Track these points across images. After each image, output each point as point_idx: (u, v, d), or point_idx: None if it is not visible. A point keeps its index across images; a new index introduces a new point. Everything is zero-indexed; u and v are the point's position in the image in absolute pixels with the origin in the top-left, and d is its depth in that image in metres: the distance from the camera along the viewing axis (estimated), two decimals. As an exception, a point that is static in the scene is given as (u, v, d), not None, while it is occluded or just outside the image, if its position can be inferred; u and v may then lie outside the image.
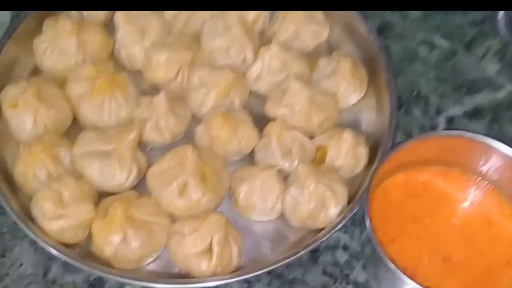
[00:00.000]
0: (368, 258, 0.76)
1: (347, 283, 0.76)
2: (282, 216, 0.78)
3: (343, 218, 0.74)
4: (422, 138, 0.76)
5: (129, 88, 0.83)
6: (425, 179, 0.77)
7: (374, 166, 0.77)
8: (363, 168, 0.80)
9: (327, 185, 0.75)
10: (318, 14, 0.89)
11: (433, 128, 0.86)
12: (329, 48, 0.90)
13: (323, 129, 0.82)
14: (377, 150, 0.80)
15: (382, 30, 0.92)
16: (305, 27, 0.88)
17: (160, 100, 0.80)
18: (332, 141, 0.79)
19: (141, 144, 0.81)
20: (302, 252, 0.73)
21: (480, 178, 0.77)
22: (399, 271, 0.66)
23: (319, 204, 0.75)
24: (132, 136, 0.77)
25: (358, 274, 0.76)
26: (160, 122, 0.80)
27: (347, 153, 0.78)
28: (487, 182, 0.77)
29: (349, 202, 0.76)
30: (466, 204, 0.76)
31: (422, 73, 0.90)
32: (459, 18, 0.94)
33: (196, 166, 0.75)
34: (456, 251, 0.73)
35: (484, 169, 0.76)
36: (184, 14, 0.88)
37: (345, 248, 0.78)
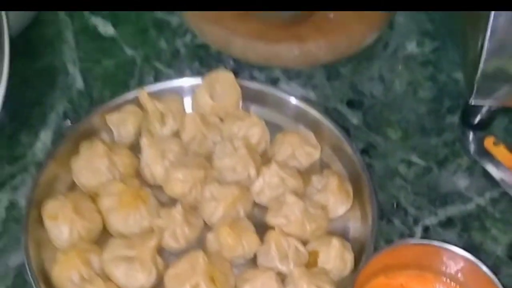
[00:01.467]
0: None
1: None
2: (280, 314, 0.91)
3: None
4: (399, 245, 0.89)
5: (151, 201, 0.98)
6: (404, 281, 0.89)
7: (358, 270, 0.90)
8: (350, 271, 0.93)
9: (318, 286, 0.88)
10: (312, 138, 1.05)
11: (411, 235, 0.99)
12: (321, 166, 1.05)
13: (315, 236, 0.96)
14: (361, 255, 0.93)
15: (367, 150, 1.07)
16: (300, 149, 1.03)
17: (177, 211, 0.94)
18: (322, 247, 0.93)
19: (160, 251, 0.95)
20: None
21: (449, 280, 0.89)
22: None
23: (312, 304, 0.88)
24: (153, 243, 0.91)
25: None
26: (177, 231, 0.95)
27: (335, 258, 0.91)
28: (455, 284, 0.89)
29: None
30: None
31: (402, 187, 1.03)
32: (434, 140, 1.08)
33: (206, 269, 0.88)
34: None
35: (452, 272, 0.88)
36: (198, 137, 1.04)
37: None
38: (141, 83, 1.10)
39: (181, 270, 0.90)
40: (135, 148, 1.05)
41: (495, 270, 0.84)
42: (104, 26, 1.16)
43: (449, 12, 1.07)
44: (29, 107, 1.10)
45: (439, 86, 1.14)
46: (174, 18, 1.17)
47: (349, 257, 0.93)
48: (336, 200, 0.98)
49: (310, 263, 0.94)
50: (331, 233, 0.97)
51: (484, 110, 1.03)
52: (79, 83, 1.11)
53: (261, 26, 1.08)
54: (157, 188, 1.02)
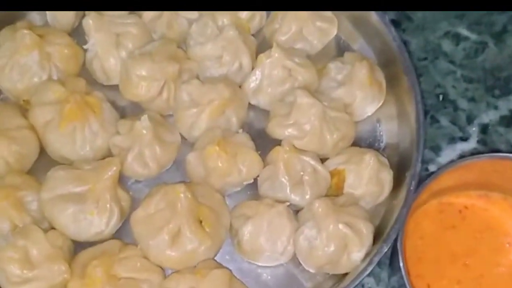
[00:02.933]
0: None
1: None
2: (294, 258, 0.66)
3: (370, 263, 0.62)
4: (463, 163, 0.63)
5: (105, 110, 0.70)
6: (463, 206, 0.65)
7: (403, 194, 0.64)
8: (388, 195, 0.67)
9: (348, 224, 0.62)
10: (325, 8, 0.76)
11: (465, 139, 0.74)
12: (338, 48, 0.76)
13: (338, 150, 0.69)
14: (402, 171, 0.67)
15: (398, 23, 0.79)
16: (310, 25, 0.74)
17: (143, 126, 0.66)
18: (350, 166, 0.67)
19: (122, 179, 0.68)
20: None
21: None
22: None
23: (340, 247, 0.63)
24: (111, 173, 0.64)
25: None
26: (144, 152, 0.67)
27: (369, 180, 0.66)
28: None
29: (374, 239, 0.64)
30: None
31: (448, 72, 0.77)
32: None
33: (191, 209, 0.62)
34: None
35: None
36: (166, 15, 0.74)
37: (369, 274, 0.65)
38: None
39: (153, 211, 0.63)
40: (78, 35, 0.75)
41: None
42: None
43: None
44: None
45: None
46: None
47: (388, 178, 0.67)
48: (365, 96, 0.70)
49: (333, 188, 0.68)
50: (357, 141, 0.70)
51: None
52: None
53: None
54: (112, 89, 0.73)
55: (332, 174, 0.68)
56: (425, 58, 0.78)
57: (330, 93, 0.71)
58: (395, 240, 0.61)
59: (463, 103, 0.76)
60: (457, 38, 0.79)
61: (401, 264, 0.58)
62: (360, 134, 0.72)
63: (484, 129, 0.75)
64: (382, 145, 0.72)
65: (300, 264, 0.66)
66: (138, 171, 0.68)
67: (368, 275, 0.66)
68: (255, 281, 0.66)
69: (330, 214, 0.62)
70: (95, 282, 0.60)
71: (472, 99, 0.76)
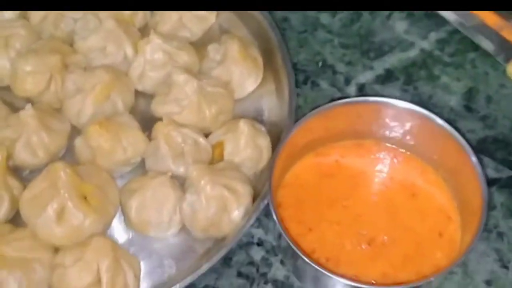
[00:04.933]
0: (285, 251, 0.67)
1: (266, 282, 0.67)
2: (184, 228, 0.69)
3: (248, 220, 0.65)
4: (327, 108, 0.67)
5: (-6, 106, 0.73)
6: (338, 156, 0.69)
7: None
8: (267, 161, 0.71)
9: (225, 185, 0.66)
10: (203, -3, 0.80)
11: (344, 98, 0.77)
12: (220, 34, 0.80)
13: (219, 124, 0.73)
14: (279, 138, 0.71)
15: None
16: (188, 13, 0.78)
17: (27, 113, 0.69)
18: (228, 135, 0.70)
19: (17, 170, 0.71)
20: (205, 268, 0.63)
21: (396, 145, 0.69)
22: (316, 265, 0.58)
23: (220, 209, 0.66)
24: (-2, 160, 0.67)
25: (277, 271, 0.68)
26: (32, 140, 0.70)
27: (246, 146, 0.69)
28: (404, 149, 0.69)
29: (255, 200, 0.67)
30: (385, 177, 0.68)
31: (327, 41, 0.82)
32: None
33: (73, 185, 0.65)
34: (381, 231, 0.65)
35: (398, 135, 0.68)
36: (52, 15, 0.78)
37: (260, 244, 0.69)
38: None
39: (39, 191, 0.66)
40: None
41: (450, 125, 0.65)
42: None
43: None
44: None
45: None
46: None
47: (264, 143, 0.70)
48: (241, 71, 0.74)
49: (216, 158, 0.71)
50: (240, 117, 0.74)
51: None
52: None
53: None
54: (5, 89, 0.76)
55: (214, 146, 0.71)
56: (305, 31, 0.82)
57: (210, 73, 0.75)
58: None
59: (341, 67, 0.80)
60: (334, 11, 0.84)
61: (274, 216, 0.61)
62: (244, 111, 0.76)
63: (361, 88, 0.79)
64: (265, 118, 0.76)
65: (190, 233, 0.68)
66: (27, 160, 0.70)
67: (258, 226, 0.69)
68: (147, 253, 0.68)
69: (206, 176, 0.65)
70: (-18, 261, 0.62)
71: (349, 63, 0.80)
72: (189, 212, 0.66)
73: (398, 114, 0.66)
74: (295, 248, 0.59)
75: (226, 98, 0.73)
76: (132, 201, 0.67)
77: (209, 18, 0.80)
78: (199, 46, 0.78)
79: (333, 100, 0.73)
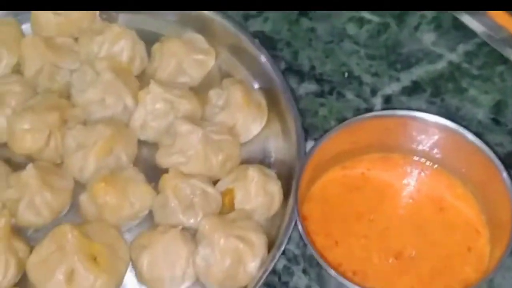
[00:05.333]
0: (310, 261, 0.66)
1: None
2: (198, 281, 0.66)
3: (265, 272, 0.63)
4: (351, 123, 0.67)
5: (-5, 167, 0.71)
6: (365, 169, 0.69)
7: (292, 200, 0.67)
8: (280, 205, 0.69)
9: (239, 237, 0.64)
10: (201, 41, 0.79)
11: (370, 109, 0.77)
12: (221, 78, 0.79)
13: (227, 170, 0.71)
14: (290, 181, 0.69)
15: (305, 12, 0.84)
16: (187, 58, 0.77)
17: (29, 174, 0.67)
18: (238, 183, 0.69)
19: (20, 230, 0.69)
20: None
21: (423, 159, 0.68)
22: (342, 277, 0.58)
23: (235, 261, 0.64)
24: (1, 225, 0.64)
25: (299, 280, 0.67)
26: (35, 200, 0.68)
27: (257, 193, 0.67)
28: (431, 162, 0.68)
29: (270, 248, 0.66)
30: (412, 190, 0.68)
31: (353, 52, 0.82)
32: None
33: (81, 247, 0.63)
34: (408, 245, 0.64)
35: (426, 148, 0.68)
36: (47, 68, 0.76)
37: (282, 253, 0.66)
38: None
39: (46, 254, 0.64)
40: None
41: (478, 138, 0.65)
42: None
43: None
44: None
45: None
46: None
47: (275, 188, 0.69)
48: (244, 116, 0.73)
49: (227, 207, 0.69)
50: (248, 161, 0.72)
51: None
52: None
53: None
54: (2, 147, 0.74)
55: (224, 194, 0.69)
56: (331, 41, 0.82)
57: (214, 119, 0.74)
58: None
59: (367, 78, 0.80)
60: (361, 22, 0.84)
61: (299, 228, 0.60)
62: (251, 154, 0.74)
63: (387, 99, 0.78)
64: (272, 160, 0.74)
65: (205, 286, 0.66)
66: (31, 220, 0.68)
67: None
68: (161, 309, 0.66)
69: (219, 229, 0.63)
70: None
71: (375, 74, 0.80)
72: (203, 266, 0.64)
73: (426, 128, 0.66)
74: (321, 262, 0.58)
75: (232, 144, 0.71)
76: (143, 257, 0.65)
77: (208, 62, 0.79)
78: (200, 91, 0.77)
79: (358, 111, 0.75)
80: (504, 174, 0.62)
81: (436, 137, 0.67)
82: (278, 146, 0.75)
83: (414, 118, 0.66)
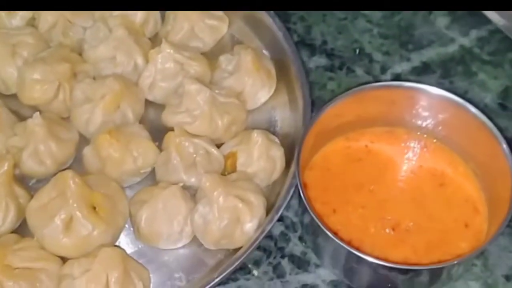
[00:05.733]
0: (307, 228, 0.67)
1: (282, 256, 0.67)
2: (195, 239, 0.67)
3: (261, 233, 0.63)
4: (358, 91, 0.67)
5: (3, 115, 0.71)
6: (368, 142, 0.69)
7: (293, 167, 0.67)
8: (281, 173, 0.69)
9: (239, 196, 0.64)
10: (214, 7, 0.79)
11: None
12: (233, 45, 0.79)
13: (232, 134, 0.71)
14: (293, 150, 0.69)
15: None
16: (200, 23, 0.77)
17: (35, 122, 0.68)
18: (241, 146, 0.69)
19: (23, 179, 0.69)
20: (214, 283, 0.62)
21: (427, 135, 0.69)
22: (340, 242, 0.58)
23: (233, 220, 0.64)
24: (4, 168, 0.65)
25: (294, 247, 0.68)
26: (39, 149, 0.68)
27: (259, 157, 0.68)
28: (435, 139, 0.69)
29: (268, 212, 0.66)
30: (414, 165, 0.68)
31: (366, 30, 0.82)
32: None
33: (82, 194, 0.63)
34: (406, 217, 0.65)
35: (430, 125, 0.68)
36: (61, 23, 0.77)
37: (279, 219, 0.67)
38: None
39: (46, 200, 0.64)
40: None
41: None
42: None
43: None
44: None
45: None
46: None
47: (278, 154, 0.69)
48: (253, 82, 0.73)
49: (228, 169, 0.69)
50: (253, 128, 0.72)
51: None
52: None
53: None
54: (12, 98, 0.75)
55: (226, 157, 0.70)
56: (345, 18, 0.83)
57: (222, 83, 0.74)
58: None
59: (377, 56, 0.80)
60: None
61: (301, 192, 0.60)
62: (257, 122, 0.74)
63: (396, 77, 0.78)
64: (277, 129, 0.74)
65: (201, 244, 0.66)
66: (34, 169, 0.69)
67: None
68: (157, 265, 0.66)
69: (219, 187, 0.63)
70: (-13, 272, 0.60)
71: (386, 53, 0.80)
72: (201, 224, 0.65)
73: (432, 103, 0.66)
74: (320, 225, 0.59)
75: (239, 108, 0.71)
76: (142, 212, 0.65)
77: (221, 28, 0.79)
78: (211, 56, 0.77)
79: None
80: (505, 147, 0.62)
81: (441, 114, 0.67)
82: (285, 116, 0.75)
83: (421, 91, 0.66)
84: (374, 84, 0.68)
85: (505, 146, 0.62)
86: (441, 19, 0.83)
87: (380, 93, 0.67)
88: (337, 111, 0.66)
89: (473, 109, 0.64)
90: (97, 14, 0.78)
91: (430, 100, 0.67)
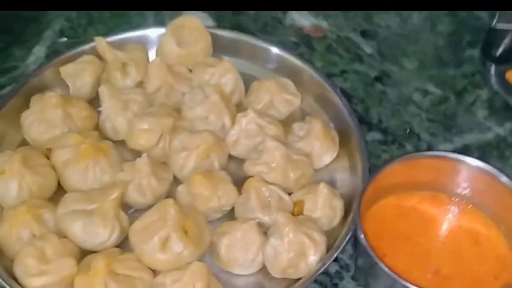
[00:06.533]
0: (360, 268, 0.79)
1: None
2: (263, 270, 0.79)
3: (323, 265, 0.76)
4: (407, 158, 0.81)
5: (113, 154, 0.86)
6: (416, 202, 0.82)
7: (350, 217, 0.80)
8: (340, 220, 0.82)
9: (306, 234, 0.77)
10: (290, 85, 0.96)
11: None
12: (303, 116, 0.95)
13: (300, 186, 0.85)
14: (351, 206, 0.82)
15: (381, 78, 1.01)
16: (278, 96, 0.93)
17: (142, 161, 0.83)
18: (309, 195, 0.82)
19: (124, 207, 0.83)
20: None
21: (465, 201, 0.82)
22: (395, 276, 0.70)
23: (299, 253, 0.77)
24: (115, 195, 0.79)
25: (347, 284, 0.79)
26: (142, 183, 0.83)
27: (323, 205, 0.81)
28: (471, 204, 0.81)
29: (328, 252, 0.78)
30: (454, 225, 0.81)
31: (416, 114, 0.97)
32: (452, 71, 1.03)
33: (178, 219, 0.77)
34: (445, 265, 0.77)
35: (468, 192, 0.81)
36: (164, 88, 0.94)
37: (335, 260, 0.79)
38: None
39: (148, 222, 0.78)
40: (94, 104, 0.94)
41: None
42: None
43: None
44: (25, 23, 1.06)
45: (459, 20, 1.09)
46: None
47: (339, 204, 0.82)
48: (321, 145, 0.88)
49: (296, 213, 0.83)
50: (317, 182, 0.86)
51: (507, 40, 0.98)
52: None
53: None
54: (119, 143, 0.90)
55: (295, 203, 0.83)
56: (398, 104, 0.98)
57: (294, 145, 0.89)
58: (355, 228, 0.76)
59: (425, 136, 0.94)
60: (425, 93, 1.00)
61: (359, 233, 0.74)
62: (321, 179, 0.86)
63: None
64: (337, 187, 0.88)
65: (268, 273, 0.79)
66: (136, 199, 0.83)
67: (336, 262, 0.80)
68: (230, 286, 0.78)
69: (290, 224, 0.77)
70: (97, 273, 0.72)
71: (432, 134, 0.95)
72: (272, 254, 0.77)
73: (470, 173, 0.80)
74: (377, 261, 0.71)
75: (308, 165, 0.86)
76: (223, 240, 0.78)
77: (294, 102, 0.95)
78: (285, 124, 0.92)
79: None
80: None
81: (477, 183, 0.80)
82: (344, 177, 0.89)
83: (461, 162, 0.80)
84: (422, 153, 0.82)
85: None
86: (481, 111, 0.98)
87: (426, 161, 0.81)
88: (390, 173, 0.80)
89: (504, 178, 0.77)
90: (195, 82, 0.95)
91: (468, 171, 0.80)
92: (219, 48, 1.00)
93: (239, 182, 0.85)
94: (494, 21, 0.97)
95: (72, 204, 0.79)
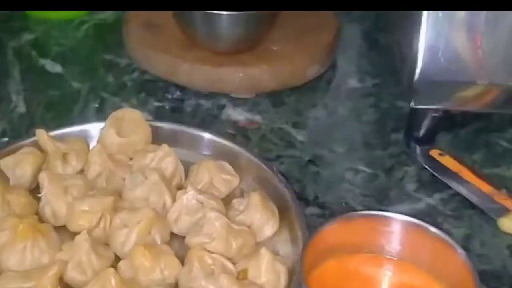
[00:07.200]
0: None
1: None
2: None
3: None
4: (343, 218, 0.82)
5: (52, 235, 0.86)
6: (355, 265, 0.82)
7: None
8: (285, 286, 0.82)
9: (250, 295, 0.77)
10: (228, 167, 0.99)
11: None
12: (242, 195, 0.97)
13: (243, 256, 0.85)
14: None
15: (314, 161, 1.07)
16: (217, 176, 0.96)
17: (82, 238, 0.82)
18: (252, 262, 0.83)
19: (63, 286, 0.81)
20: None
21: (403, 259, 0.82)
22: None
23: (244, 315, 0.76)
24: (53, 271, 0.78)
25: None
26: (82, 260, 0.82)
27: (267, 270, 0.81)
28: (410, 261, 0.82)
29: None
30: (395, 282, 0.82)
31: (349, 190, 1.02)
32: (379, 153, 1.09)
33: (120, 289, 0.75)
34: None
35: (405, 249, 0.82)
36: (105, 173, 0.95)
37: None
38: (85, 108, 1.14)
39: (88, 294, 0.76)
40: (35, 193, 0.94)
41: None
42: (52, 66, 1.22)
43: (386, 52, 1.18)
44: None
45: (382, 111, 1.18)
46: (123, 60, 1.23)
47: (282, 269, 0.83)
48: (261, 216, 0.90)
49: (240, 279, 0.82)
50: (259, 254, 0.87)
51: (426, 121, 1.05)
52: (21, 108, 1.13)
53: (207, 54, 1.14)
54: (60, 229, 0.90)
55: (239, 272, 0.83)
56: (332, 182, 1.03)
57: (235, 219, 0.90)
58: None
59: (360, 208, 0.99)
60: (356, 171, 1.05)
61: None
62: (262, 253, 0.89)
63: None
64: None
65: None
66: (76, 277, 0.81)
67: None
68: None
69: (235, 285, 0.76)
70: None
71: (367, 206, 0.99)
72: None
73: (403, 229, 0.82)
74: None
75: (249, 235, 0.87)
76: (167, 310, 0.77)
77: (233, 182, 0.98)
78: (225, 202, 0.94)
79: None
80: (460, 251, 0.77)
81: (410, 239, 0.82)
82: (287, 250, 0.89)
83: (390, 219, 0.82)
84: (356, 212, 0.85)
85: (460, 250, 0.77)
86: (410, 185, 1.03)
87: (361, 221, 0.82)
88: (330, 233, 0.81)
89: (432, 228, 0.80)
90: (135, 168, 0.97)
91: (401, 227, 0.82)
92: (158, 138, 1.03)
93: (183, 258, 0.85)
94: (412, 102, 1.03)
95: (8, 283, 0.77)
